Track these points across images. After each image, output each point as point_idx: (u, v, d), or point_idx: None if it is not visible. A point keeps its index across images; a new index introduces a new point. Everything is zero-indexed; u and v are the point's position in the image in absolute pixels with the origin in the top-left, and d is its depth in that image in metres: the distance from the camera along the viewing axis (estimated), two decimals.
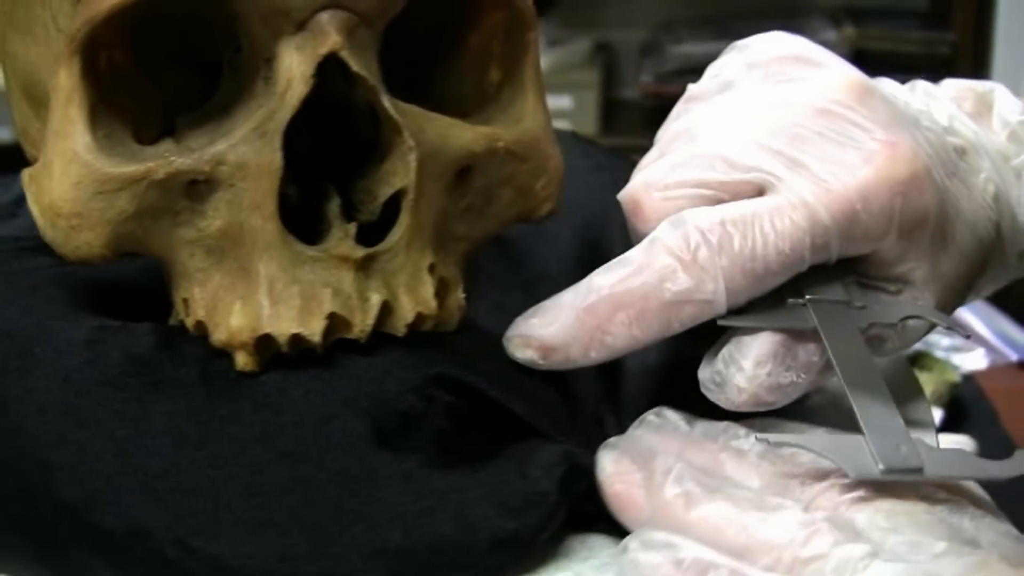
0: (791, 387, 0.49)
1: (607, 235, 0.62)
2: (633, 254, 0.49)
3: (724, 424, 0.49)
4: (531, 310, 0.50)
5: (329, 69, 0.48)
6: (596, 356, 0.49)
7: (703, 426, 0.50)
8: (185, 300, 0.50)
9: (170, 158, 0.48)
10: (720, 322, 0.49)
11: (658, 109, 3.03)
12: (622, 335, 0.48)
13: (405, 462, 0.47)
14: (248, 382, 0.48)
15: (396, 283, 0.49)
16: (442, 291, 0.50)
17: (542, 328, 0.49)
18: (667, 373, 0.56)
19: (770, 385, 0.49)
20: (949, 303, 0.54)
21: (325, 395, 0.48)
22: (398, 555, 0.45)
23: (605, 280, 0.49)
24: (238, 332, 0.48)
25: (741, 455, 0.48)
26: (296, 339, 0.48)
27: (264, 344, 0.48)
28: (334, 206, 0.50)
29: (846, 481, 0.45)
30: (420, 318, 0.49)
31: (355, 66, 0.48)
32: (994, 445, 1.15)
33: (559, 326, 0.49)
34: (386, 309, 0.49)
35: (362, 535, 0.45)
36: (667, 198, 0.50)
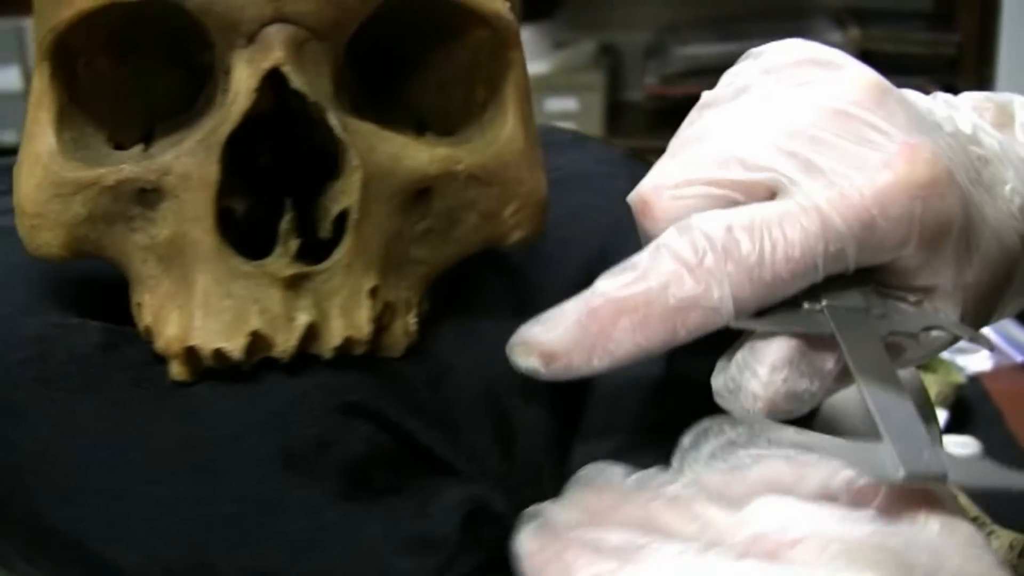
0: (807, 395, 0.47)
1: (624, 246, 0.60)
2: (638, 259, 0.48)
3: (655, 471, 0.47)
4: (535, 318, 0.49)
5: (282, 83, 0.48)
6: (599, 364, 0.47)
7: (639, 476, 0.47)
8: (138, 305, 0.51)
9: (121, 166, 0.49)
10: (734, 324, 0.47)
11: (663, 111, 2.86)
12: (626, 342, 0.47)
13: (307, 488, 0.46)
14: (177, 392, 0.49)
15: (330, 304, 0.48)
16: (388, 316, 0.50)
17: (544, 335, 0.48)
18: (637, 396, 0.54)
19: (787, 392, 0.47)
20: (974, 314, 0.51)
21: (241, 413, 0.48)
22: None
23: (609, 285, 0.47)
24: (172, 341, 0.49)
25: (675, 502, 0.45)
26: (219, 354, 0.48)
27: (193, 356, 0.48)
28: (285, 222, 0.50)
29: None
30: (349, 342, 0.48)
31: (296, 81, 0.47)
32: (998, 447, 1.16)
33: (561, 332, 0.47)
34: (313, 331, 0.48)
35: (247, 558, 0.45)
36: (677, 198, 0.49)
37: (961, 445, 1.13)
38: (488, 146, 0.51)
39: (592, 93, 2.79)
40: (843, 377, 0.48)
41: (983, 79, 2.51)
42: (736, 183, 0.48)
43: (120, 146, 0.52)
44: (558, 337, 0.47)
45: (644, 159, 0.56)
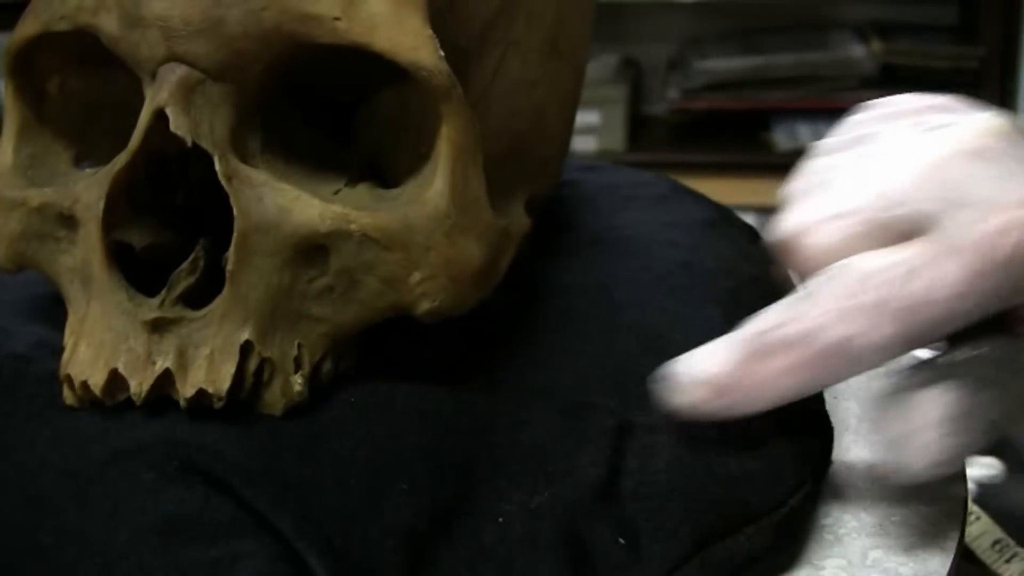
0: (966, 446, 0.48)
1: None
2: (792, 300, 0.48)
3: None
4: (688, 353, 0.49)
5: None
6: (755, 405, 0.48)
7: None
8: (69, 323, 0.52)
9: (45, 189, 0.50)
10: (891, 374, 0.48)
11: (685, 124, 2.77)
12: (783, 383, 0.47)
13: (119, 532, 0.46)
14: (61, 414, 0.49)
15: (196, 353, 0.47)
16: (267, 372, 0.48)
17: (712, 368, 0.48)
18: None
19: (947, 446, 0.47)
20: None
21: (93, 449, 0.48)
22: None
23: (766, 324, 0.47)
24: (60, 366, 0.49)
25: None
26: (84, 386, 0.48)
27: (71, 384, 0.49)
28: (186, 262, 0.49)
29: None
30: (202, 394, 0.47)
31: (175, 124, 0.46)
32: None
33: (716, 370, 0.47)
34: (168, 376, 0.47)
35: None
36: (827, 237, 0.49)
37: (986, 466, 1.00)
38: (400, 206, 0.48)
39: (614, 107, 2.73)
40: (999, 426, 0.48)
41: (1006, 92, 2.56)
42: (885, 221, 0.47)
43: (90, 166, 0.53)
44: (713, 376, 0.47)
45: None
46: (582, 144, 2.74)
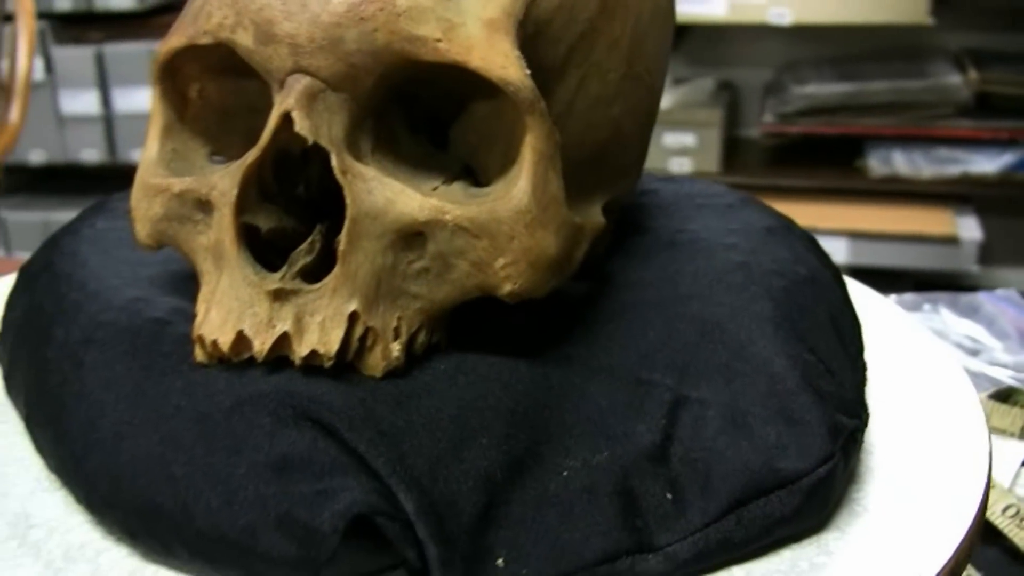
0: None
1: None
2: None
3: None
4: None
5: None
6: None
7: None
8: (201, 293, 0.60)
9: (186, 178, 0.58)
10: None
11: (779, 148, 2.79)
12: None
13: (236, 466, 0.54)
14: (192, 369, 0.58)
15: (310, 320, 0.55)
16: (370, 339, 0.56)
17: None
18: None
19: None
20: None
21: (220, 398, 0.56)
22: (200, 535, 0.53)
23: None
24: (193, 328, 0.58)
25: None
26: (214, 345, 0.56)
27: (202, 343, 0.57)
28: (305, 244, 0.57)
29: None
30: (313, 355, 0.55)
31: (300, 126, 0.54)
32: None
33: None
34: (287, 340, 0.55)
35: (176, 510, 0.53)
36: None
37: None
38: (488, 202, 0.56)
39: (710, 129, 2.75)
40: None
41: None
42: None
43: (222, 161, 0.61)
44: None
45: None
46: (677, 166, 2.79)
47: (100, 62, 3.04)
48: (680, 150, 2.78)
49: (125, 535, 0.56)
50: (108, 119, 3.11)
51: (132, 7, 2.96)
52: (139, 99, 3.05)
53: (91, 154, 3.13)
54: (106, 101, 3.09)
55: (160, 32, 3.00)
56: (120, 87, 3.05)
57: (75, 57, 3.04)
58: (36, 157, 3.18)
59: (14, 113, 2.11)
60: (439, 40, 0.54)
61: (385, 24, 0.53)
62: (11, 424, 0.67)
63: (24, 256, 3.13)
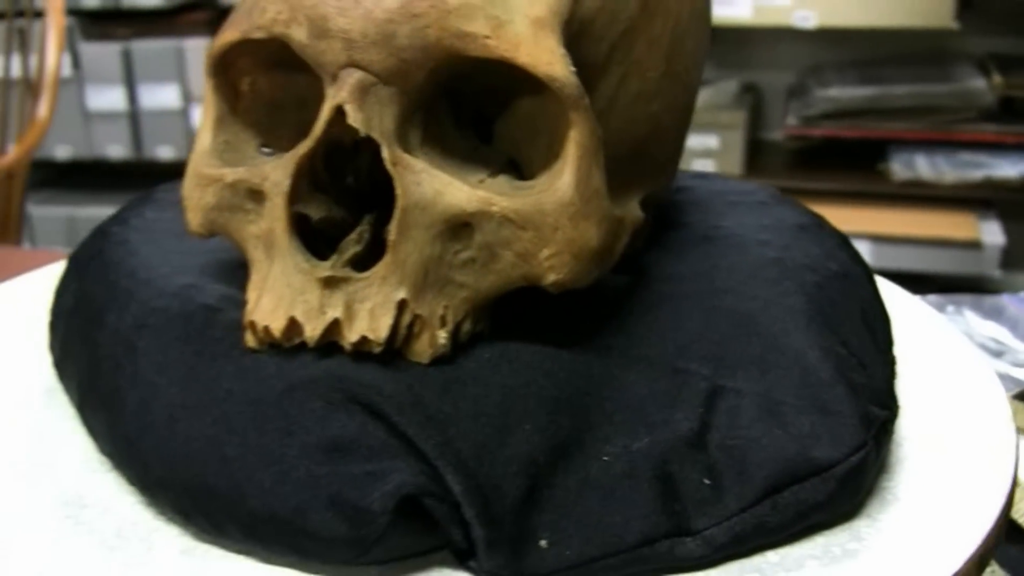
0: None
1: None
2: None
3: None
4: None
5: None
6: None
7: None
8: (252, 280, 0.62)
9: (238, 168, 0.60)
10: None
11: (802, 151, 2.82)
12: None
13: (288, 447, 0.55)
14: (244, 355, 0.60)
15: (360, 307, 0.57)
16: (418, 326, 0.58)
17: None
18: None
19: None
20: None
21: (272, 381, 0.58)
22: (252, 514, 0.55)
23: None
24: (245, 315, 0.60)
25: None
26: (266, 331, 0.58)
27: (254, 328, 0.59)
28: (354, 234, 0.59)
29: None
30: (363, 341, 0.57)
31: (352, 118, 0.56)
32: None
33: None
34: (338, 326, 0.57)
35: (229, 490, 0.55)
36: None
37: None
38: (533, 194, 0.57)
39: (733, 131, 2.78)
40: None
41: None
42: None
43: (272, 152, 0.63)
44: None
45: None
46: (700, 167, 2.80)
47: (127, 58, 3.07)
48: (703, 152, 2.79)
49: (178, 515, 0.58)
50: (134, 115, 3.13)
51: (159, 4, 2.98)
52: (164, 96, 3.07)
53: (116, 150, 3.15)
54: (132, 97, 3.11)
55: (186, 29, 3.03)
56: (146, 83, 3.08)
57: (102, 53, 3.06)
58: (62, 152, 3.21)
59: (43, 108, 2.14)
60: (488, 37, 0.55)
61: (436, 20, 0.55)
62: (62, 409, 0.69)
63: (49, 250, 3.15)
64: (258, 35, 0.59)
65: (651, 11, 0.63)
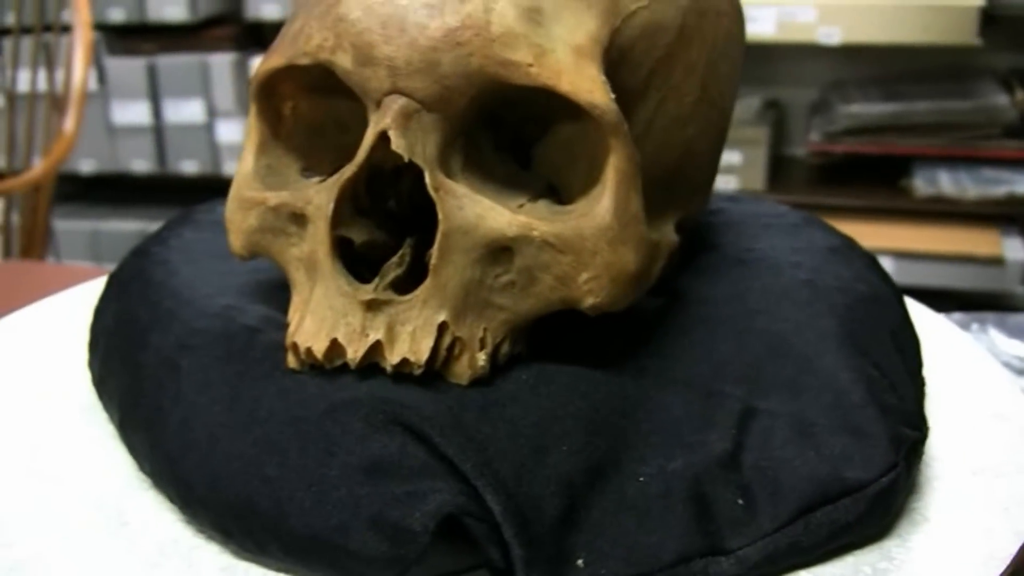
0: None
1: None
2: None
3: None
4: None
5: None
6: None
7: None
8: (293, 302, 0.63)
9: (281, 192, 0.61)
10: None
11: (825, 167, 2.79)
12: None
13: (328, 467, 0.56)
14: (285, 375, 0.61)
15: (401, 329, 0.58)
16: (458, 348, 0.59)
17: None
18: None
19: None
20: None
21: (314, 402, 0.59)
22: (293, 534, 0.56)
23: None
24: (287, 336, 0.61)
25: None
26: (309, 352, 0.59)
27: (296, 350, 0.60)
28: (396, 257, 0.60)
29: None
30: (404, 362, 0.58)
31: (396, 144, 0.57)
32: None
33: None
34: (379, 348, 0.58)
35: (271, 509, 0.56)
36: None
37: None
38: (572, 219, 0.58)
39: (756, 147, 2.77)
40: None
41: None
42: None
43: (313, 176, 0.64)
44: None
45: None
46: (723, 183, 2.81)
47: (152, 73, 3.08)
48: (726, 168, 2.79)
49: (219, 533, 0.59)
50: (158, 130, 3.14)
51: (184, 19, 2.99)
52: (189, 110, 3.09)
53: (141, 164, 3.17)
54: (157, 112, 3.13)
55: (211, 44, 3.04)
56: (171, 98, 3.09)
57: (127, 68, 3.08)
58: (87, 166, 3.22)
59: (69, 123, 2.15)
60: (531, 65, 0.56)
61: (480, 49, 0.56)
62: (101, 427, 0.70)
63: (74, 264, 3.17)
64: (304, 61, 0.60)
65: (688, 37, 0.64)
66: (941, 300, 2.71)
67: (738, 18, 0.71)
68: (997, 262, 2.64)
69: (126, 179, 3.39)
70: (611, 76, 0.58)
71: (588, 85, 0.57)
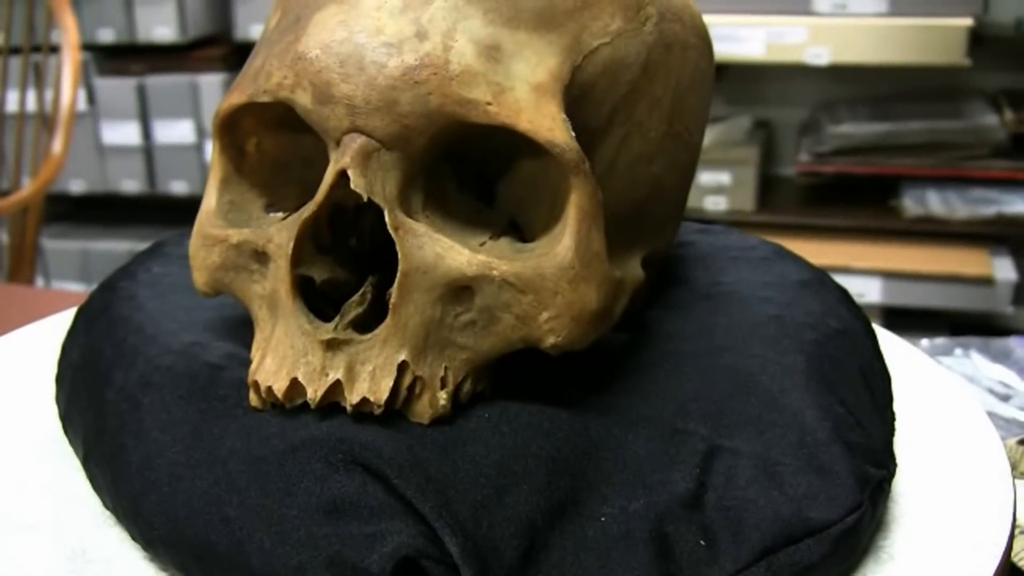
0: None
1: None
2: None
3: None
4: None
5: None
6: None
7: None
8: (256, 340, 0.62)
9: (243, 229, 0.61)
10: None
11: (815, 187, 2.82)
12: None
13: (287, 507, 0.56)
14: (247, 414, 0.61)
15: (361, 368, 0.58)
16: (419, 387, 0.58)
17: None
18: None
19: None
20: None
21: (275, 441, 0.58)
22: (253, 574, 0.55)
23: None
24: (248, 374, 0.60)
25: None
26: (269, 391, 0.59)
27: (257, 388, 0.60)
28: (356, 296, 0.59)
29: None
30: (364, 402, 0.58)
31: (355, 183, 0.57)
32: None
33: None
34: (339, 387, 0.58)
35: (230, 550, 0.56)
36: None
37: None
38: (533, 257, 0.58)
39: (745, 167, 2.79)
40: None
41: None
42: None
43: (277, 211, 0.64)
44: None
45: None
46: (712, 204, 2.81)
47: (141, 94, 3.09)
48: (716, 188, 2.80)
49: (180, 572, 0.58)
50: (148, 150, 3.15)
51: (174, 40, 3.00)
52: (178, 131, 3.09)
53: (131, 184, 3.17)
54: (146, 132, 3.13)
55: (201, 65, 3.05)
56: (160, 119, 3.10)
57: (117, 88, 3.09)
58: (76, 187, 3.23)
59: (57, 144, 2.15)
60: (489, 103, 0.56)
61: (438, 87, 0.56)
62: (68, 461, 0.70)
63: (63, 286, 3.17)
64: (264, 99, 0.60)
65: (652, 72, 0.64)
66: (930, 320, 2.71)
67: (706, 51, 0.71)
68: (987, 282, 2.65)
69: (116, 199, 3.39)
70: (573, 114, 0.58)
71: (548, 123, 0.56)
